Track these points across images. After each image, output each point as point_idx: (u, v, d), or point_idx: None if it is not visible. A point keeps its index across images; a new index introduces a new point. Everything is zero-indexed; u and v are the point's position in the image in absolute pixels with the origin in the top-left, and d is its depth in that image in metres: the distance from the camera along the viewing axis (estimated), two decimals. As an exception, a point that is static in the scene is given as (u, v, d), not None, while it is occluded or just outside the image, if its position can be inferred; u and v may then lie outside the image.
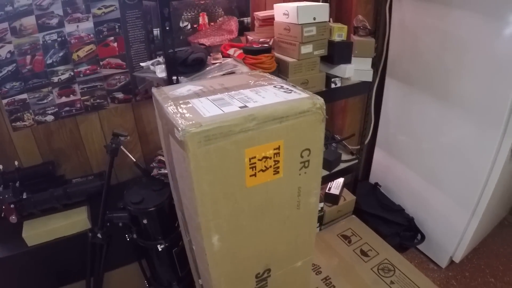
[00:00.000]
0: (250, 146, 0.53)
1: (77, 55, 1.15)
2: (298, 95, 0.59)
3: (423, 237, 1.52)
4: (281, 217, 0.64)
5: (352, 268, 1.21)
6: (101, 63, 1.18)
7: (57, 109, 1.18)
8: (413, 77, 1.40)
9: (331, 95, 1.12)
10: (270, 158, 0.55)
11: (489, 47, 1.10)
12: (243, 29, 1.25)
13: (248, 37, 1.17)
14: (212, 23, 1.21)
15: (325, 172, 1.28)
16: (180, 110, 0.55)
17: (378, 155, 1.69)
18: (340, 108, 1.56)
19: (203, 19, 1.20)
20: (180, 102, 0.58)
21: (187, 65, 0.89)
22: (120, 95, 1.23)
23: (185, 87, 0.68)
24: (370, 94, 1.26)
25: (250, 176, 0.55)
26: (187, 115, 0.52)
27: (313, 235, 0.72)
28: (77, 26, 1.12)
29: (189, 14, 1.18)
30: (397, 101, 1.51)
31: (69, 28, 1.10)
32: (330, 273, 1.18)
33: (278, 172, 0.58)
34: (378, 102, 1.57)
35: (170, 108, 0.56)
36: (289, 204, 0.63)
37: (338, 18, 1.41)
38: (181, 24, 1.18)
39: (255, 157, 0.54)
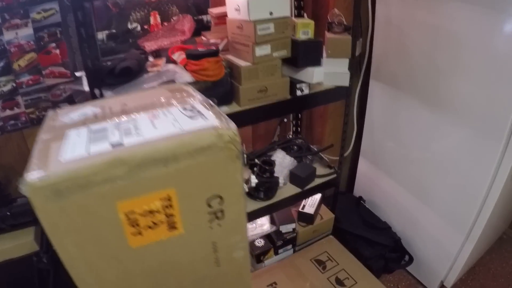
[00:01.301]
0: (123, 199, 0.39)
1: (18, 65, 1.04)
2: (204, 121, 0.45)
3: (411, 259, 1.36)
4: (195, 278, 0.50)
5: (326, 300, 1.07)
6: (43, 72, 1.07)
7: (2, 123, 1.08)
8: (401, 79, 1.22)
9: (298, 104, 0.97)
10: (159, 212, 0.42)
11: (489, 45, 0.92)
12: (202, 28, 1.10)
13: (203, 37, 1.02)
14: (165, 23, 1.07)
15: (297, 190, 1.14)
16: (44, 149, 0.42)
17: (363, 166, 1.53)
18: (319, 114, 1.39)
19: (155, 19, 1.06)
20: (55, 135, 0.45)
21: (115, 75, 0.76)
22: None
23: (83, 110, 0.55)
24: (349, 100, 1.09)
25: (133, 234, 0.42)
26: (43, 158, 0.39)
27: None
28: (16, 33, 1.01)
29: (139, 14, 1.05)
30: (382, 106, 1.34)
31: (7, 35, 1.00)
32: (300, 307, 1.05)
33: (175, 228, 0.44)
34: (362, 107, 1.40)
35: (38, 145, 0.43)
36: (204, 262, 0.49)
37: (314, 12, 1.24)
38: (129, 26, 1.05)
39: (134, 212, 0.40)
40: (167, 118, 0.47)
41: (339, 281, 1.13)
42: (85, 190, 0.37)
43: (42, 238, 1.05)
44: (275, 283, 1.11)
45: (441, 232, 1.22)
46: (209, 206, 0.45)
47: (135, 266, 0.44)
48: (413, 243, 1.36)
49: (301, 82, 0.94)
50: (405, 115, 1.25)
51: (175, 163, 0.40)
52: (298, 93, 0.94)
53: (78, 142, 0.43)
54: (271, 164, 1.05)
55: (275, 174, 1.09)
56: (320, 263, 1.19)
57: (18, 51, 1.03)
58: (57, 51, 1.06)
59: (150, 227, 0.42)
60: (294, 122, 1.37)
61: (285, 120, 1.38)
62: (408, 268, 1.42)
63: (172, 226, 0.44)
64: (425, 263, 1.33)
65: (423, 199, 1.26)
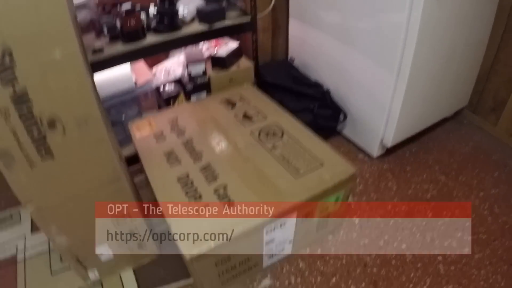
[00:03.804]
0: None
1: None
2: None
3: (345, 116, 1.28)
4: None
5: (224, 132, 1.00)
6: None
7: None
8: None
9: None
10: None
11: None
12: None
13: None
14: None
15: (205, 28, 1.10)
16: None
17: (293, 28, 1.44)
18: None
19: None
20: None
21: None
22: None
23: None
24: None
25: None
26: None
27: (64, 10, 0.55)
28: None
29: None
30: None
31: None
32: (194, 137, 1.00)
33: None
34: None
35: None
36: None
37: None
38: None
39: None
40: None
41: (246, 117, 1.06)
42: None
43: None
44: (176, 118, 1.08)
45: (372, 79, 1.14)
46: None
47: None
48: (347, 100, 1.28)
49: None
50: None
51: None
52: None
53: None
54: (171, -8, 1.02)
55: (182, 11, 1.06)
56: (230, 103, 1.13)
57: None
58: None
59: None
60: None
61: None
62: (345, 132, 1.35)
63: None
64: (361, 122, 1.25)
65: (350, 45, 1.17)
